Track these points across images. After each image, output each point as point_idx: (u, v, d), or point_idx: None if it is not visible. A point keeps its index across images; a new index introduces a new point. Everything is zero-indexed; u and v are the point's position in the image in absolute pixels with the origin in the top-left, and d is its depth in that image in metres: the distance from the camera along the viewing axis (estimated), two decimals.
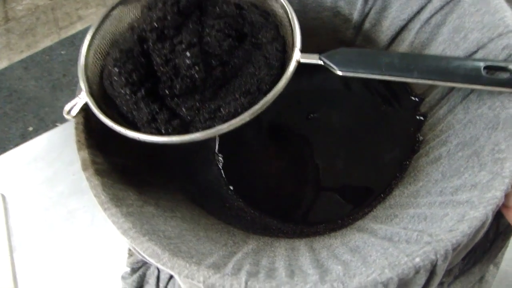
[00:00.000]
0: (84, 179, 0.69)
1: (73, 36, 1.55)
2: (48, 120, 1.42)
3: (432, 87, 0.45)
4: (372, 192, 0.44)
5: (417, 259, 0.28)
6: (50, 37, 1.58)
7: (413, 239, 0.30)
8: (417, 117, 0.46)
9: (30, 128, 1.40)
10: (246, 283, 0.28)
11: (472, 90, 0.38)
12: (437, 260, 0.28)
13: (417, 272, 0.28)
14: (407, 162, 0.44)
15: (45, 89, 1.46)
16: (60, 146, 0.72)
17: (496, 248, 0.42)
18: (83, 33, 1.63)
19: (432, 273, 0.29)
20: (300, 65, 0.37)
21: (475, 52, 0.38)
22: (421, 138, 0.45)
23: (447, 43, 0.42)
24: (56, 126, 0.79)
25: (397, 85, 0.49)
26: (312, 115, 0.48)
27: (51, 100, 1.44)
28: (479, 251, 0.41)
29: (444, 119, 0.42)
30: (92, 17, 1.57)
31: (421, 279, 0.29)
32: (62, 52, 1.51)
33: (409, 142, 0.45)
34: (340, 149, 0.47)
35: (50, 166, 0.70)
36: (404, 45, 0.46)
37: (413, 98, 0.48)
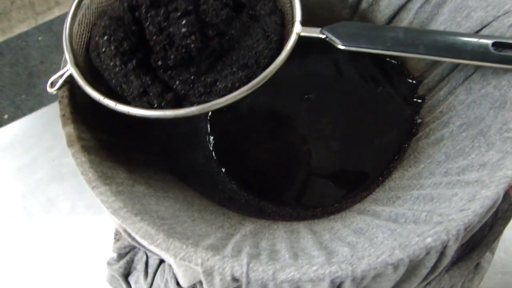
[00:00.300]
0: (64, 166, 0.67)
1: (51, 22, 1.49)
2: (24, 108, 1.37)
3: (431, 68, 0.43)
4: (370, 175, 0.42)
5: (429, 239, 0.26)
6: (26, 22, 1.52)
7: (422, 220, 0.29)
8: (415, 100, 0.45)
9: (6, 116, 1.35)
10: (248, 265, 0.26)
11: (475, 70, 0.37)
12: (448, 241, 0.27)
13: (427, 253, 0.26)
14: (406, 145, 0.43)
15: (21, 76, 1.40)
16: (39, 131, 0.69)
17: (494, 233, 0.41)
18: (62, 19, 1.58)
19: (441, 254, 0.28)
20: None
21: (479, 31, 0.37)
22: (419, 121, 0.43)
23: (448, 23, 0.40)
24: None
25: (393, 68, 0.48)
26: (307, 96, 0.47)
27: (27, 87, 1.38)
28: (477, 236, 0.40)
29: (445, 101, 0.40)
30: (70, 2, 1.51)
31: (431, 261, 0.27)
32: (40, 38, 1.46)
33: (407, 125, 0.44)
34: (336, 131, 0.45)
35: (28, 151, 0.67)
36: (402, 26, 0.44)
37: (410, 80, 0.46)
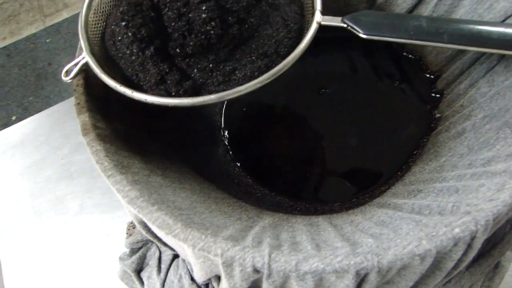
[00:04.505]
0: (73, 164, 0.67)
1: (59, 24, 1.50)
2: (32, 109, 1.37)
3: (450, 62, 0.43)
4: (388, 170, 0.41)
5: (457, 230, 0.25)
6: (35, 24, 1.53)
7: (448, 210, 0.28)
8: (433, 95, 0.44)
9: (14, 117, 1.35)
10: (269, 255, 0.25)
11: (498, 62, 0.36)
12: (477, 232, 0.26)
13: (455, 244, 0.25)
14: (425, 139, 0.42)
15: (29, 77, 1.41)
16: (48, 130, 0.69)
17: None
18: (70, 21, 1.59)
19: (468, 247, 0.27)
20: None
21: (503, 22, 0.36)
22: (438, 115, 0.43)
23: (469, 15, 0.40)
24: None
25: (410, 63, 0.47)
26: (323, 90, 0.46)
27: (35, 89, 1.39)
28: (499, 233, 0.39)
29: (465, 94, 0.40)
30: (78, 5, 1.52)
31: (458, 253, 0.26)
32: (48, 40, 1.47)
33: (425, 120, 0.43)
34: (353, 126, 0.44)
35: (37, 150, 0.67)
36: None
37: (427, 75, 0.45)
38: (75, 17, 1.48)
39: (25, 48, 1.49)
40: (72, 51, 1.38)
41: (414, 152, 0.41)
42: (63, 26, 1.49)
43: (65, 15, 1.52)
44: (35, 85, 1.40)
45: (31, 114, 1.37)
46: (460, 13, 0.40)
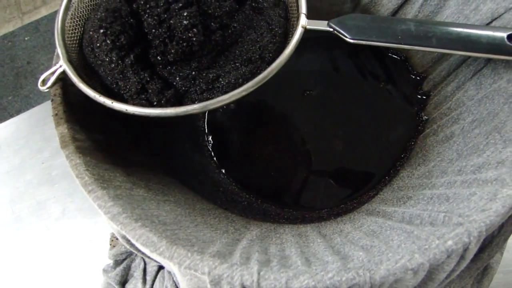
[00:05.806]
0: (54, 168, 0.65)
1: (38, 22, 1.46)
2: (11, 109, 1.34)
3: (436, 63, 0.42)
4: (375, 174, 0.41)
5: (450, 242, 0.25)
6: (12, 22, 1.49)
7: (440, 221, 0.27)
8: (419, 96, 0.44)
9: None
10: (259, 273, 0.24)
11: (485, 65, 0.36)
12: (469, 243, 0.25)
13: (448, 256, 0.25)
14: (412, 142, 0.41)
15: (8, 77, 1.37)
16: (28, 132, 0.67)
17: (504, 233, 0.40)
18: (49, 18, 1.55)
19: (461, 258, 0.26)
20: None
21: (489, 24, 0.36)
22: (425, 117, 0.42)
23: (455, 16, 0.39)
24: None
25: (395, 63, 0.46)
26: (308, 92, 0.45)
27: (14, 88, 1.35)
28: (488, 236, 0.39)
29: (452, 96, 0.39)
30: (57, 1, 1.48)
31: (450, 265, 0.26)
32: (26, 38, 1.43)
33: (412, 122, 0.42)
34: (339, 129, 0.43)
35: (17, 154, 0.65)
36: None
37: (413, 76, 0.45)
38: (54, 14, 1.44)
39: (2, 46, 1.45)
40: (51, 50, 1.35)
41: (402, 156, 0.41)
42: (42, 24, 1.46)
43: (43, 12, 1.48)
44: (14, 85, 1.36)
45: (10, 114, 1.34)
46: (446, 14, 0.40)
